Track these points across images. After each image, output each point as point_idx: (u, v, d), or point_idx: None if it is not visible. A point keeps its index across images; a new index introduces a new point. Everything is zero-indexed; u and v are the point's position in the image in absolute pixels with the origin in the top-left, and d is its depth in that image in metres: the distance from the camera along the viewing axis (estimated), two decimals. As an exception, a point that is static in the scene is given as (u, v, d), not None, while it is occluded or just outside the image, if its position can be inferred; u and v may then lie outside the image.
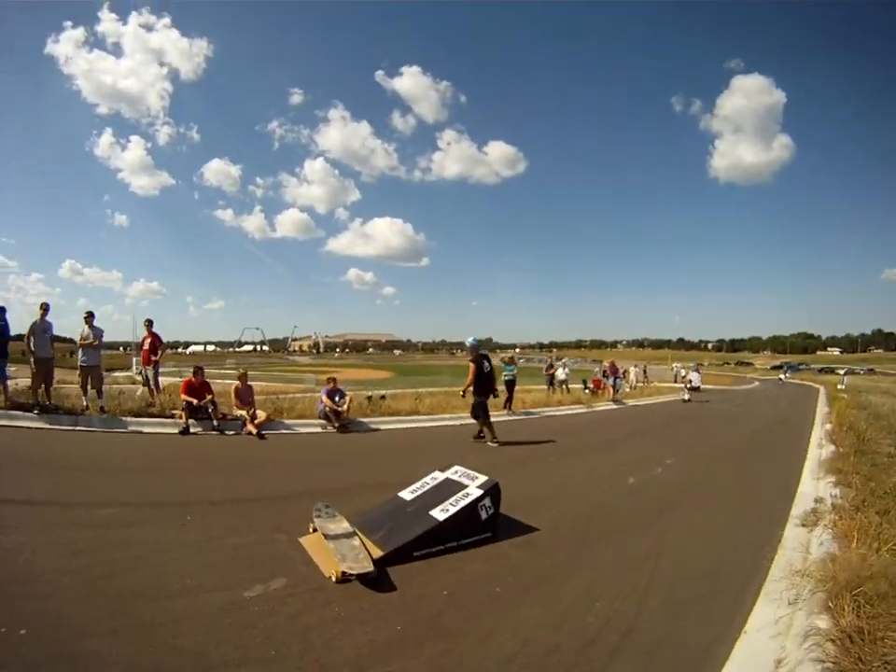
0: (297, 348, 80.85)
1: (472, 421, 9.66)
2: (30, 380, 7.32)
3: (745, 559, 3.39)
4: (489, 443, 7.24)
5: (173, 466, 5.60)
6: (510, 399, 10.86)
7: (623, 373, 18.78)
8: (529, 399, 13.05)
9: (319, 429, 8.48)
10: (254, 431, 7.67)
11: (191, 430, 7.52)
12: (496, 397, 8.02)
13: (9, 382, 7.48)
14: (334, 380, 9.13)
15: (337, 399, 8.78)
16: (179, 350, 65.66)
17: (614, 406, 14.01)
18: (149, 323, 8.99)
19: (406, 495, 3.97)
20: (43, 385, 7.29)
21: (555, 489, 5.23)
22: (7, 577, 2.67)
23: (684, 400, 16.38)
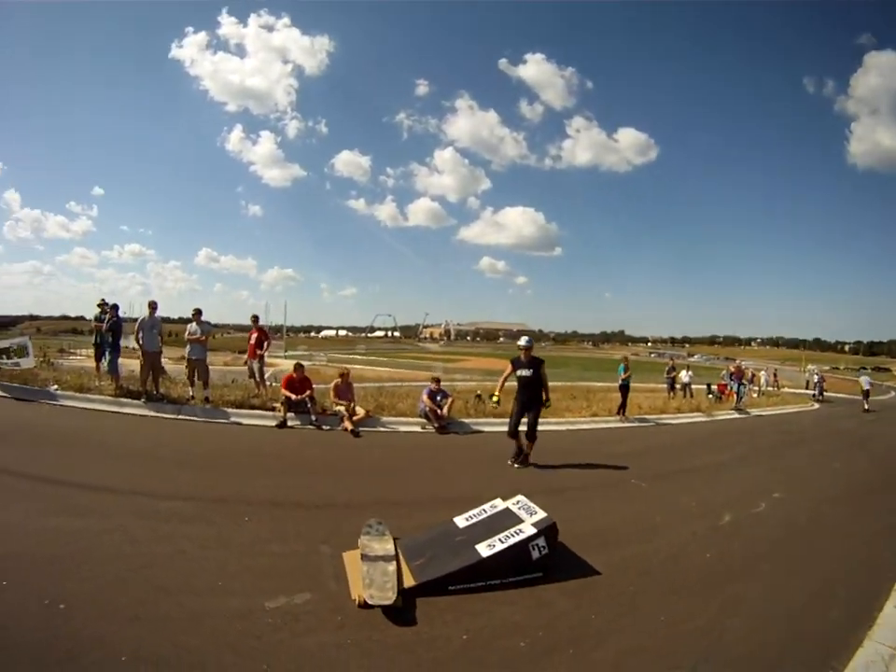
0: (428, 335, 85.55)
1: (572, 425, 9.02)
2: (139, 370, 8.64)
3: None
4: (513, 464, 6.49)
5: (254, 461, 6.19)
6: (623, 405, 10.89)
7: (752, 377, 18.86)
8: (646, 405, 12.43)
9: (419, 429, 8.79)
10: (350, 428, 8.14)
11: (289, 424, 8.28)
12: (544, 405, 6.50)
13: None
14: (437, 380, 9.59)
15: (438, 399, 9.06)
16: (312, 334, 74.37)
17: (736, 415, 13.31)
18: (255, 318, 10.19)
19: (460, 521, 3.77)
20: (151, 376, 8.41)
21: (635, 524, 4.65)
22: (65, 556, 3.10)
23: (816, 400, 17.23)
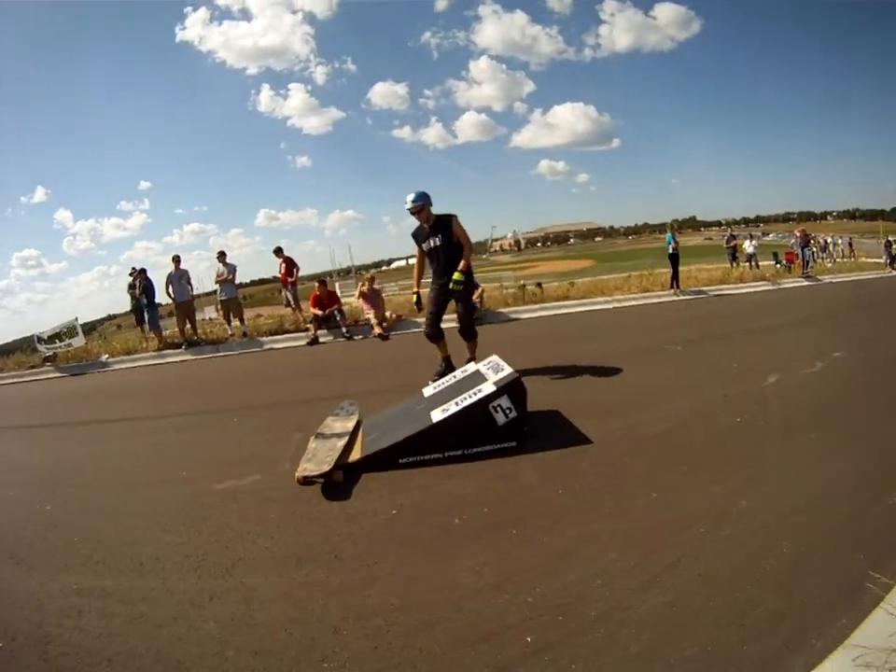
0: (498, 248, 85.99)
1: (620, 303, 8.66)
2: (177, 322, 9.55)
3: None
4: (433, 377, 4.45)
5: (272, 376, 6.60)
6: (675, 276, 10.42)
7: (825, 246, 18.19)
8: (704, 277, 11.69)
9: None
10: (378, 332, 8.33)
11: (321, 340, 8.62)
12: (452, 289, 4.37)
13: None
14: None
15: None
16: (384, 268, 77.66)
17: (804, 282, 12.50)
18: (279, 250, 10.45)
19: (428, 390, 3.58)
20: (188, 324, 9.27)
21: (659, 388, 4.23)
22: (73, 473, 3.65)
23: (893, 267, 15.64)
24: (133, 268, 10.41)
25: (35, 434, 5.19)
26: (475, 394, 3.03)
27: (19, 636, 1.83)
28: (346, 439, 3.20)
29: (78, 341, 9.59)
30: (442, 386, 3.53)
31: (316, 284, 9.50)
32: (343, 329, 8.81)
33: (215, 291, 9.77)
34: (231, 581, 2.06)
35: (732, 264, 15.31)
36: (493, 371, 3.27)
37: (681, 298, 10.04)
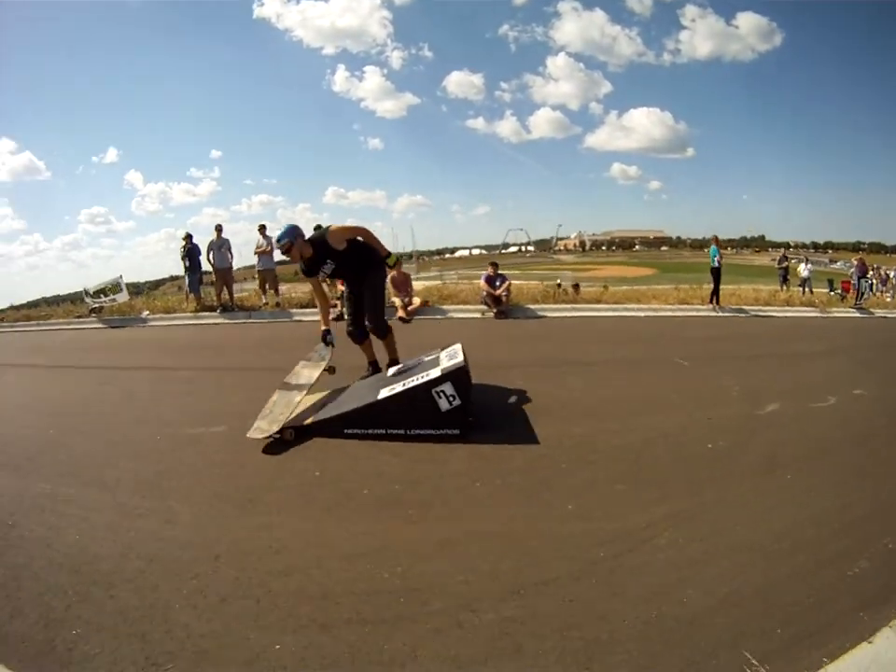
0: (562, 247, 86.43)
1: (655, 312, 8.54)
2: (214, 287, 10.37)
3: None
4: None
5: (284, 345, 7.10)
6: (715, 292, 10.20)
7: (886, 278, 17.44)
8: (750, 296, 11.10)
9: (478, 315, 9.07)
10: (401, 315, 8.76)
11: (346, 317, 9.14)
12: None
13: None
14: (495, 265, 9.80)
15: (497, 283, 9.23)
16: (447, 256, 79.18)
17: (855, 313, 11.78)
18: (318, 227, 11.01)
19: (392, 369, 3.88)
20: (225, 290, 10.07)
21: (644, 401, 4.21)
22: (80, 407, 4.40)
23: None
24: (188, 233, 11.34)
25: (62, 373, 6.09)
26: (422, 377, 3.32)
27: None
28: (305, 392, 3.59)
29: (122, 296, 10.76)
30: (405, 366, 3.82)
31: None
32: (370, 309, 9.30)
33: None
34: (161, 504, 2.54)
35: (782, 286, 14.95)
36: (448, 358, 3.54)
37: (718, 314, 9.69)
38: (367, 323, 4.12)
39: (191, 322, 9.71)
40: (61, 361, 6.81)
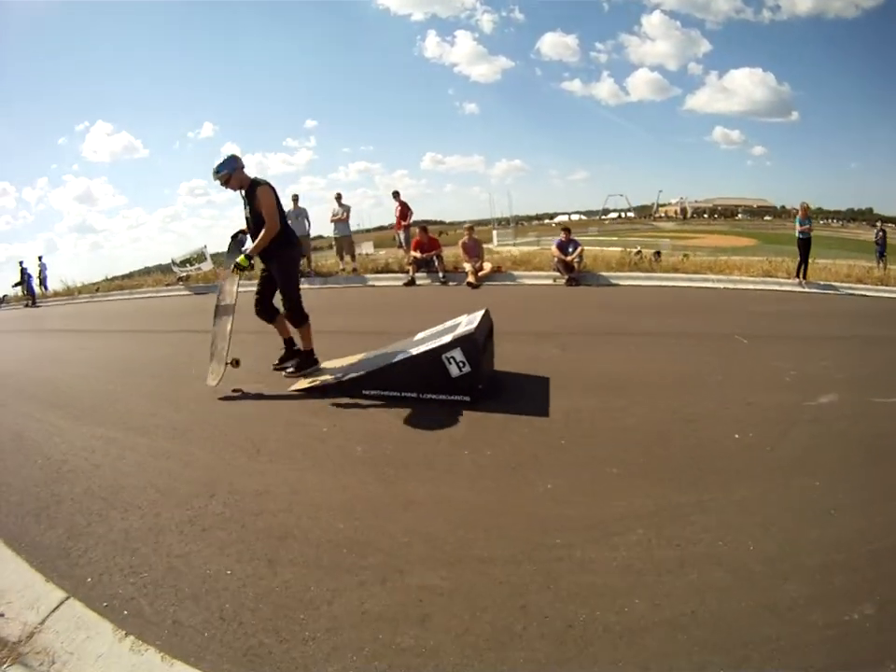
0: (663, 214, 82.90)
1: (735, 284, 8.01)
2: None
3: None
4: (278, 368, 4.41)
5: (349, 309, 7.69)
6: (802, 265, 9.36)
7: None
8: (841, 272, 9.66)
9: (549, 282, 9.06)
10: (471, 281, 8.95)
11: (417, 282, 9.53)
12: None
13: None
14: (567, 230, 9.73)
15: (570, 249, 9.14)
16: (546, 221, 78.18)
17: None
18: (396, 193, 11.39)
19: (420, 334, 4.04)
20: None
21: (682, 378, 4.04)
22: (140, 365, 5.27)
23: None
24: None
25: (133, 336, 7.13)
26: (435, 343, 3.44)
27: (51, 458, 3.02)
28: (232, 315, 4.07)
29: (206, 265, 12.04)
30: (430, 332, 3.94)
31: (418, 230, 10.30)
32: (440, 274, 9.54)
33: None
34: (185, 449, 3.00)
35: (879, 263, 14.10)
36: (466, 324, 3.61)
37: (804, 290, 8.74)
38: (283, 311, 4.05)
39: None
40: (137, 326, 7.94)
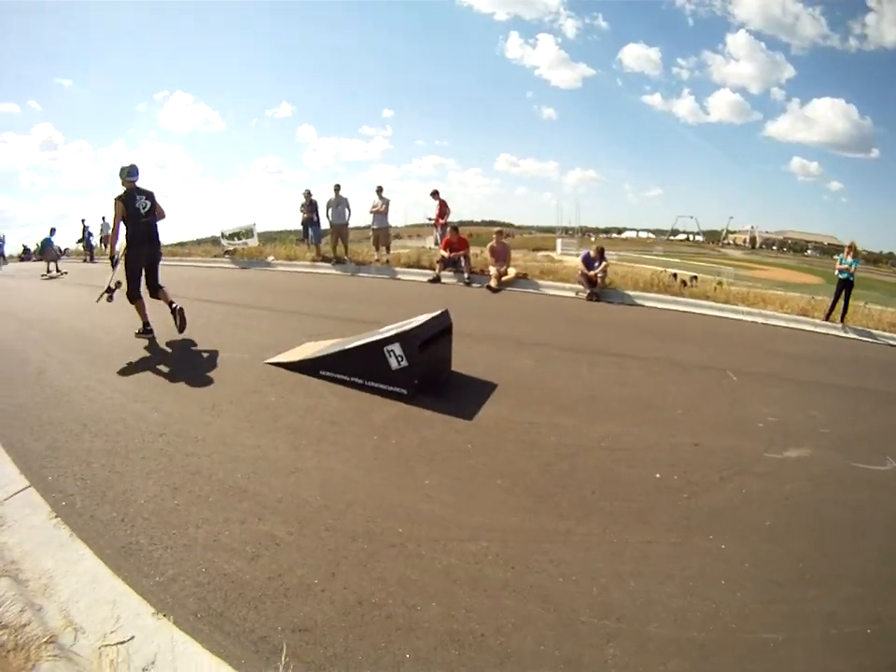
0: (732, 241, 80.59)
1: (766, 319, 8.19)
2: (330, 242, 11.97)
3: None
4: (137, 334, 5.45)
5: (364, 297, 8.35)
6: (841, 306, 8.80)
7: None
8: (885, 319, 8.75)
9: (572, 294, 9.30)
10: (491, 285, 9.41)
11: (442, 281, 10.06)
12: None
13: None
14: (601, 249, 9.74)
15: (596, 264, 9.30)
16: (613, 235, 76.96)
17: None
18: (436, 192, 11.95)
19: (386, 326, 4.44)
20: (339, 244, 11.73)
21: (638, 408, 4.10)
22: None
23: None
24: (307, 190, 13.02)
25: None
26: (381, 335, 3.97)
27: (58, 390, 3.88)
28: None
29: (253, 241, 13.12)
30: (392, 325, 4.34)
31: (448, 229, 10.80)
32: (465, 275, 10.01)
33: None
34: (158, 397, 3.76)
35: None
36: (415, 322, 4.09)
37: (838, 334, 8.18)
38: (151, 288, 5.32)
39: (308, 270, 11.60)
40: (184, 293, 8.85)
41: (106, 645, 1.68)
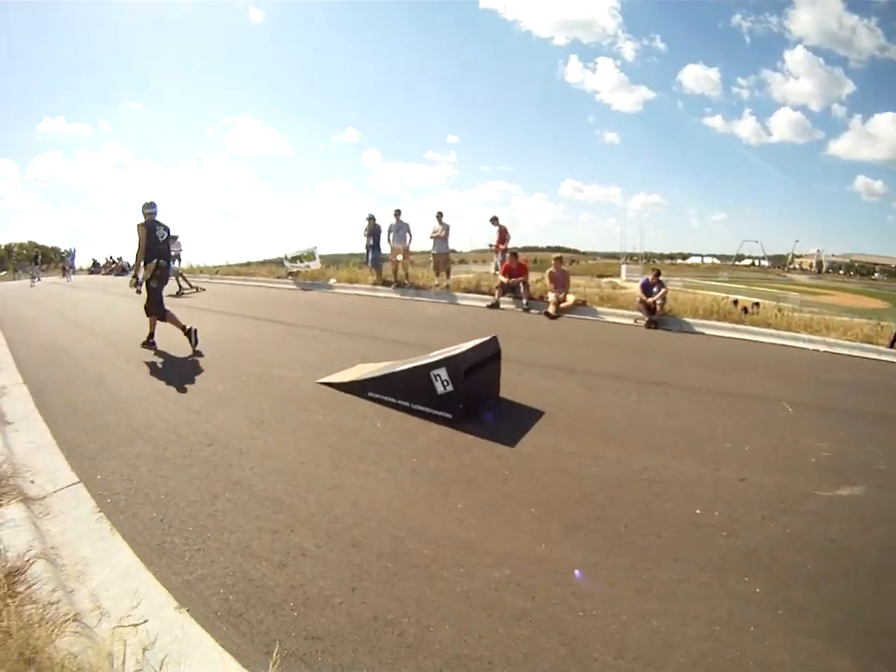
0: (797, 266, 77.24)
1: (829, 347, 7.70)
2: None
3: None
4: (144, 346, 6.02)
5: (420, 322, 8.46)
6: None
7: None
8: None
9: (630, 322, 9.10)
10: (549, 311, 9.37)
11: (501, 306, 10.08)
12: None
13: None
14: (657, 271, 9.62)
15: (654, 290, 9.12)
16: (678, 261, 74.71)
17: None
18: (494, 219, 12.08)
19: (436, 351, 4.51)
20: (401, 268, 12.03)
21: (681, 439, 3.89)
22: (229, 340, 6.35)
23: None
24: (371, 215, 13.47)
25: (231, 319, 8.55)
26: (429, 359, 3.99)
27: (116, 397, 4.17)
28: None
29: (315, 264, 13.60)
30: (442, 350, 4.38)
31: (508, 255, 10.81)
32: (524, 301, 9.98)
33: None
34: (210, 410, 3.93)
35: None
36: (463, 347, 4.09)
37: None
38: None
39: (368, 293, 11.94)
40: (233, 310, 9.47)
41: (121, 626, 1.78)
